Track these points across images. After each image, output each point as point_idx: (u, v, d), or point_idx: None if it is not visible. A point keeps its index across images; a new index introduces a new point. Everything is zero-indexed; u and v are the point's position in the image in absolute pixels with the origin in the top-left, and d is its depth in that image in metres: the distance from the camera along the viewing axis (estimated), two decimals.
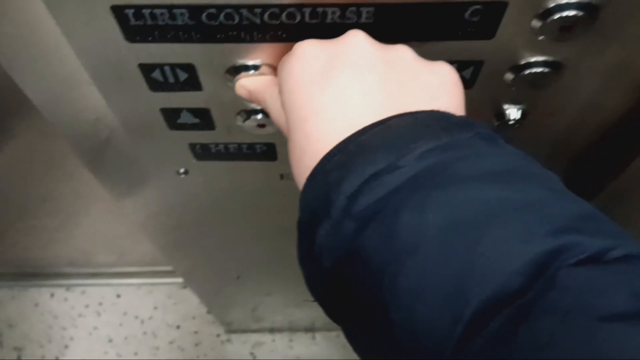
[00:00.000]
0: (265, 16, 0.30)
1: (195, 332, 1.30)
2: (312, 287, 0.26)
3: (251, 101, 0.35)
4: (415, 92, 0.27)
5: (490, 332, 0.19)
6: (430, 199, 0.22)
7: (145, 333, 1.30)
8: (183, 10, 0.30)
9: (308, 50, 0.28)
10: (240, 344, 1.29)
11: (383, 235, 0.22)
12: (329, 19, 0.30)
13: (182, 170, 0.48)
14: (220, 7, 0.30)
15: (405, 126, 0.25)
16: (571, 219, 0.21)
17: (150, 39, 0.32)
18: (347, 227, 0.23)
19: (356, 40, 0.28)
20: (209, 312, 1.30)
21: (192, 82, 0.36)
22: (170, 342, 1.29)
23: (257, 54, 0.33)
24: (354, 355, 0.25)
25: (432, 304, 0.20)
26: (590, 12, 0.30)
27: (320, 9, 0.30)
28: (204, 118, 0.40)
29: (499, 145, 0.25)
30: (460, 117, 0.26)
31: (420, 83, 0.27)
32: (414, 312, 0.21)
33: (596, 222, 0.22)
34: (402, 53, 0.28)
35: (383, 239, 0.22)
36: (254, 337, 1.29)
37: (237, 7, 0.30)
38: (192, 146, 0.44)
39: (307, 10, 0.30)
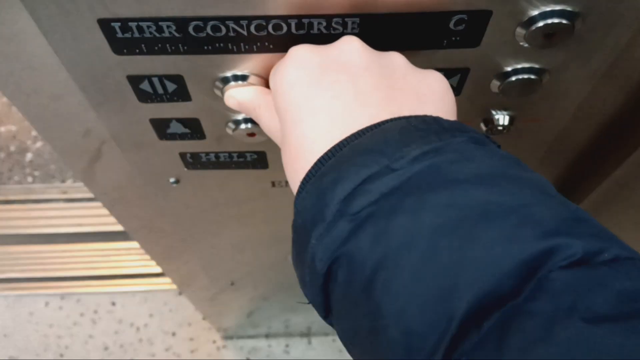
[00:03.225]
0: (252, 27, 0.31)
1: (191, 339, 1.30)
2: (306, 289, 0.27)
3: (240, 111, 0.36)
4: (407, 97, 0.27)
5: (481, 333, 0.19)
6: (423, 201, 0.22)
7: (141, 340, 1.30)
8: (169, 23, 0.30)
9: (303, 54, 0.28)
10: (237, 350, 1.28)
11: (377, 238, 0.22)
12: (315, 30, 0.31)
13: (173, 180, 0.48)
14: (206, 19, 0.30)
15: (399, 130, 0.25)
16: (561, 222, 0.21)
17: (137, 51, 0.32)
18: (341, 230, 0.23)
19: (351, 45, 0.28)
20: (204, 318, 1.29)
21: (181, 93, 0.36)
22: (167, 349, 1.29)
23: (245, 65, 0.34)
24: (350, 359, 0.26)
25: (425, 305, 0.21)
26: (573, 19, 0.30)
27: (306, 20, 0.30)
28: (193, 128, 0.40)
29: (490, 149, 0.25)
30: (452, 122, 0.26)
31: (412, 89, 0.28)
32: (407, 313, 0.21)
33: (586, 225, 0.22)
34: (395, 59, 0.29)
35: (376, 242, 0.22)
36: (250, 343, 1.29)
37: (223, 19, 0.30)
38: (183, 155, 0.44)
39: (293, 22, 0.30)
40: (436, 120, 0.26)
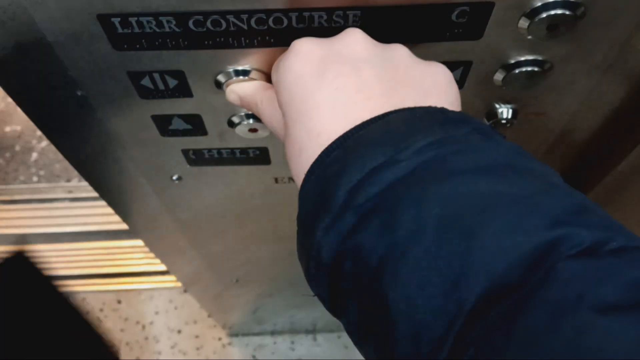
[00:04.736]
0: (252, 22, 0.30)
1: (197, 336, 1.30)
2: (311, 282, 0.27)
3: (242, 106, 0.35)
4: (411, 88, 0.27)
5: (489, 323, 0.19)
6: (429, 192, 0.22)
7: (147, 338, 1.30)
8: (170, 18, 0.30)
9: (306, 47, 0.28)
10: (242, 347, 1.29)
11: (383, 229, 0.22)
12: (316, 23, 0.31)
13: (175, 177, 0.48)
14: (206, 14, 0.30)
15: (404, 121, 0.25)
16: (567, 212, 0.21)
17: (138, 46, 0.32)
18: (346, 221, 0.23)
19: (354, 37, 0.28)
20: (210, 316, 1.30)
21: (182, 89, 0.36)
22: (172, 347, 1.29)
23: (247, 60, 0.33)
24: (356, 356, 0.26)
25: (433, 295, 0.21)
26: (576, 10, 0.30)
27: (307, 14, 0.30)
28: (195, 124, 0.40)
29: (495, 140, 0.25)
30: (457, 113, 0.26)
31: (416, 80, 0.28)
32: (415, 304, 0.21)
33: (592, 215, 0.22)
34: (398, 51, 0.29)
35: (383, 233, 0.22)
36: (256, 340, 1.29)
37: (223, 13, 0.30)
38: (185, 152, 0.44)
39: (294, 15, 0.30)
40: (441, 112, 0.26)
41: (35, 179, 1.48)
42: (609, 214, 0.23)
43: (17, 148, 1.52)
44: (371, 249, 0.22)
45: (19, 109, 0.38)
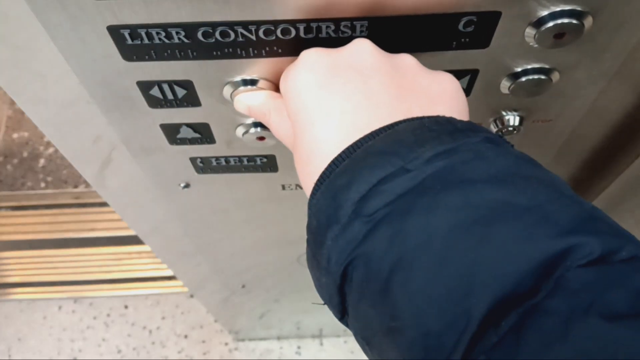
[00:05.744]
0: (260, 32, 0.31)
1: (203, 342, 1.30)
2: (321, 291, 0.27)
3: (250, 116, 0.36)
4: (418, 97, 0.28)
5: (500, 333, 0.19)
6: (438, 201, 0.22)
7: (153, 343, 1.31)
8: (178, 29, 0.30)
9: (314, 57, 0.29)
10: (249, 352, 1.29)
11: (392, 239, 0.22)
12: (323, 34, 0.31)
13: (183, 184, 0.48)
14: (215, 25, 0.30)
15: (412, 131, 0.25)
16: (577, 221, 0.21)
17: (147, 57, 0.32)
18: (356, 231, 0.23)
19: (361, 47, 0.28)
20: (216, 321, 1.30)
21: (191, 98, 0.36)
22: (179, 352, 1.29)
23: (255, 69, 0.34)
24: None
25: (443, 305, 0.21)
26: (583, 19, 0.30)
27: (314, 24, 0.30)
28: (203, 133, 0.40)
29: (504, 149, 0.25)
30: (465, 122, 0.26)
31: (423, 89, 0.28)
32: (425, 314, 0.21)
33: (602, 223, 0.22)
34: (405, 60, 0.29)
35: (392, 243, 0.22)
36: (262, 345, 1.29)
37: (232, 25, 0.30)
38: (193, 160, 0.45)
39: (302, 26, 0.30)
40: (449, 121, 0.26)
41: (42, 185, 1.49)
42: (617, 222, 0.23)
43: (25, 154, 1.53)
44: (380, 258, 0.23)
45: (26, 116, 0.38)
